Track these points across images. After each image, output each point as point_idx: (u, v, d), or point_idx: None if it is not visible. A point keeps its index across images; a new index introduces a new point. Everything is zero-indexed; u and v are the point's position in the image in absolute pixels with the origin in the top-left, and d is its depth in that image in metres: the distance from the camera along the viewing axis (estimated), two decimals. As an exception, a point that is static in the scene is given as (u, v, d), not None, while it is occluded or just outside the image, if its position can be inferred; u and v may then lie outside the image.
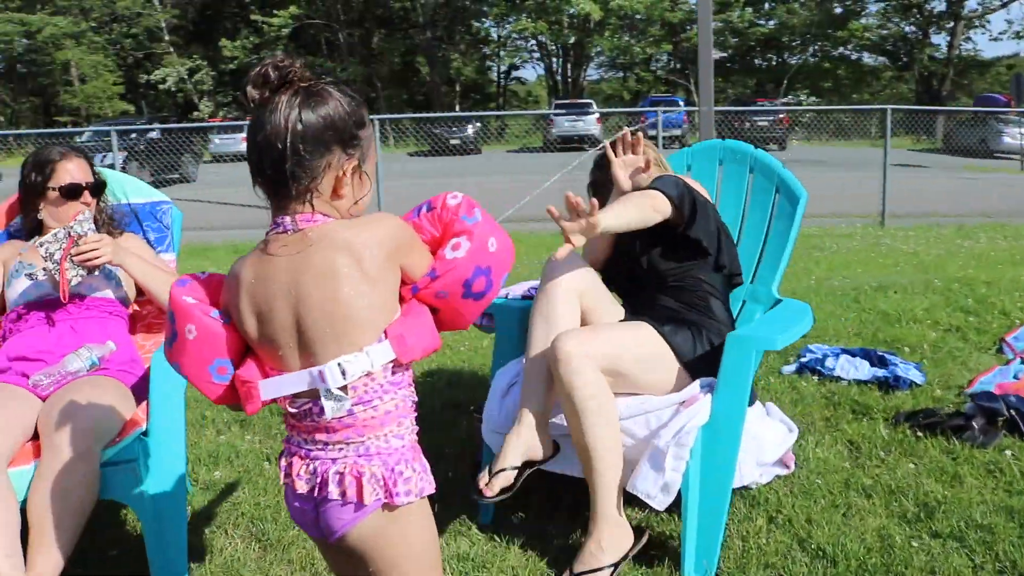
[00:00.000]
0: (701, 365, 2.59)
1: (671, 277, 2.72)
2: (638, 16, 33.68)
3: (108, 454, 2.36)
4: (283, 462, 1.50)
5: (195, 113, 38.35)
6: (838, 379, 4.14)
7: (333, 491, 1.41)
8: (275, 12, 35.92)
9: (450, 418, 3.83)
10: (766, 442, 2.74)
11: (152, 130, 18.93)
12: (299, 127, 1.36)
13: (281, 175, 1.37)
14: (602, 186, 2.92)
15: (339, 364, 1.37)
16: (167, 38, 38.82)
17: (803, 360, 4.37)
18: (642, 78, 41.39)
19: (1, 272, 2.75)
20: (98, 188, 2.87)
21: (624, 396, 2.53)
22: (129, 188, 3.26)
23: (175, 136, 18.89)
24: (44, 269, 2.57)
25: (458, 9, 37.41)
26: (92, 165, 2.90)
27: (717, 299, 2.73)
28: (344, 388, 1.38)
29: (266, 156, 1.38)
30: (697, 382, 2.58)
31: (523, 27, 35.01)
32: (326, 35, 39.11)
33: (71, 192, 2.77)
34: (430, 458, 1.54)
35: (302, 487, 1.44)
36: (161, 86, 37.85)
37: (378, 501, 1.41)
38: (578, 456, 2.45)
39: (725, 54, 37.81)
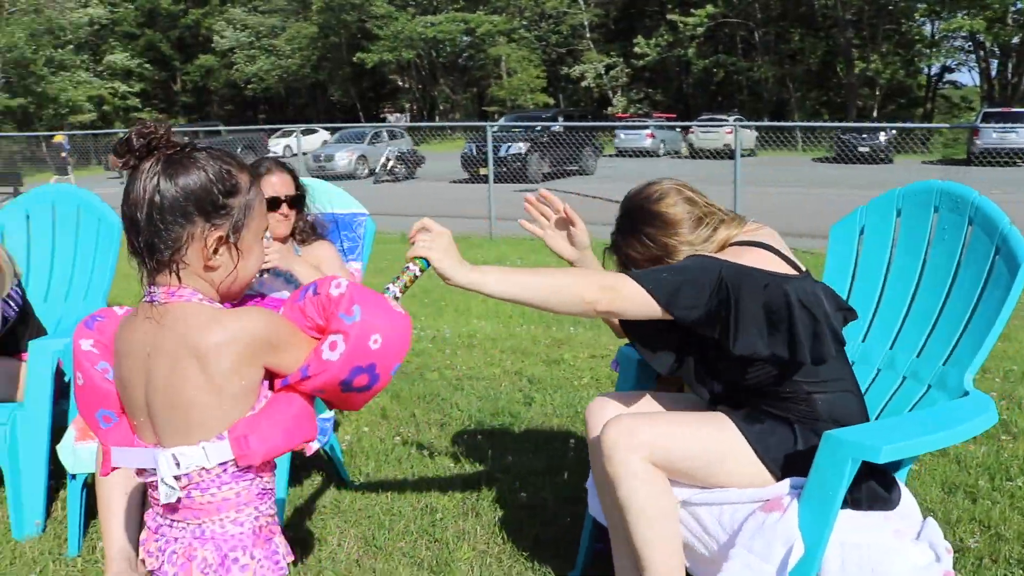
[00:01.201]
0: (796, 462, 2.11)
1: (749, 389, 2.18)
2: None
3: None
4: (141, 536, 1.47)
5: (609, 108, 39.85)
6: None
7: (168, 571, 1.38)
8: (692, 11, 36.03)
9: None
10: (894, 569, 2.07)
11: (555, 124, 19.80)
12: (156, 197, 1.31)
13: (142, 245, 1.34)
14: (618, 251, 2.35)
15: (173, 455, 1.34)
16: (588, 35, 40.67)
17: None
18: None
19: None
20: (296, 201, 3.07)
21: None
22: (334, 199, 3.49)
23: (577, 131, 19.60)
24: None
25: (883, 6, 34.86)
26: (296, 179, 3.11)
27: (823, 393, 2.16)
28: (178, 477, 1.34)
29: (128, 225, 1.34)
30: (787, 482, 2.11)
31: (958, 25, 31.72)
32: (741, 33, 38.46)
33: (271, 204, 2.97)
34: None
35: (151, 564, 1.41)
36: (581, 83, 39.79)
37: None
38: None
39: None
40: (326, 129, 31.24)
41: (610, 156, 24.54)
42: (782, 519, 2.02)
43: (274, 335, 1.35)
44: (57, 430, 2.88)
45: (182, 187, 1.32)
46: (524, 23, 40.50)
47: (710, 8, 35.25)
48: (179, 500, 1.37)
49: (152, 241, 1.33)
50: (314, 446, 2.92)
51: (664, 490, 2.10)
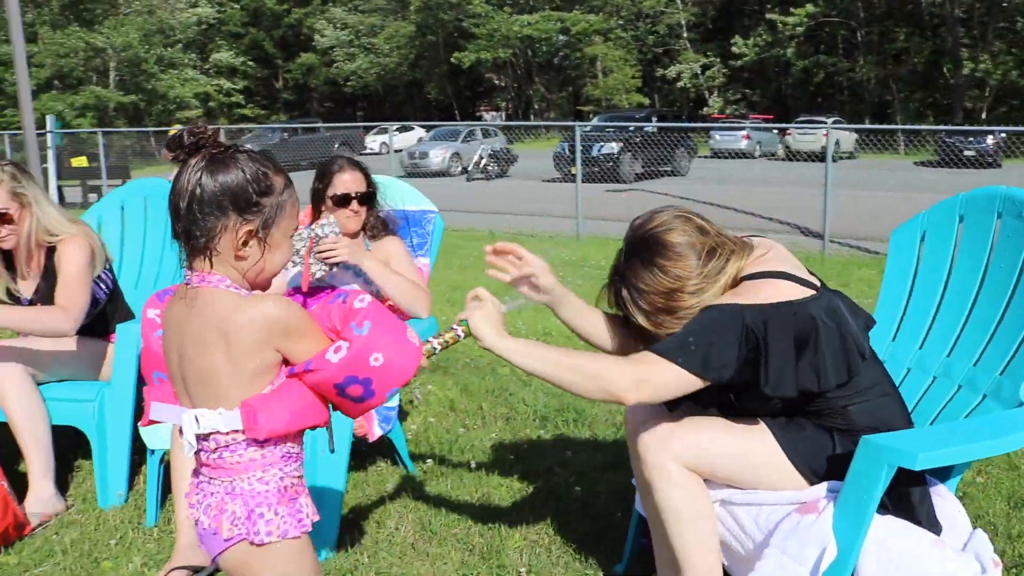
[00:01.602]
0: (834, 467, 2.11)
1: (783, 411, 2.18)
2: None
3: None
4: (186, 490, 1.65)
5: (704, 109, 39.42)
6: None
7: (204, 521, 1.55)
8: (792, 10, 35.32)
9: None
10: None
11: (648, 125, 19.67)
12: (197, 190, 1.47)
13: (181, 231, 1.50)
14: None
15: (195, 416, 1.50)
16: (685, 35, 40.28)
17: None
18: None
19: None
20: (367, 198, 3.21)
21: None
22: (405, 197, 3.65)
23: (670, 131, 19.45)
24: (293, 262, 2.95)
25: (995, 3, 33.51)
26: (368, 176, 3.25)
27: (857, 404, 2.14)
28: (202, 437, 1.52)
29: (172, 212, 1.50)
30: (824, 485, 2.12)
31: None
32: (843, 32, 37.53)
33: (342, 200, 3.15)
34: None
35: (193, 514, 1.59)
36: (677, 83, 39.44)
37: (240, 536, 1.51)
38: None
39: None
40: (422, 127, 31.71)
41: (704, 157, 24.28)
42: (817, 521, 2.04)
43: (289, 324, 1.49)
44: (140, 409, 3.08)
45: (220, 183, 1.47)
46: (621, 22, 40.36)
47: (810, 7, 34.53)
48: (214, 459, 1.53)
49: (190, 228, 1.48)
50: (377, 432, 3.07)
51: (699, 493, 2.14)
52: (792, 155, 25.04)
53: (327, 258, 2.92)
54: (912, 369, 2.67)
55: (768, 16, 37.33)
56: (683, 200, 15.06)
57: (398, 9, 46.28)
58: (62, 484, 3.18)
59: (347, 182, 3.15)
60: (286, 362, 1.52)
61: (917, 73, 37.53)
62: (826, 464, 2.14)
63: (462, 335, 1.94)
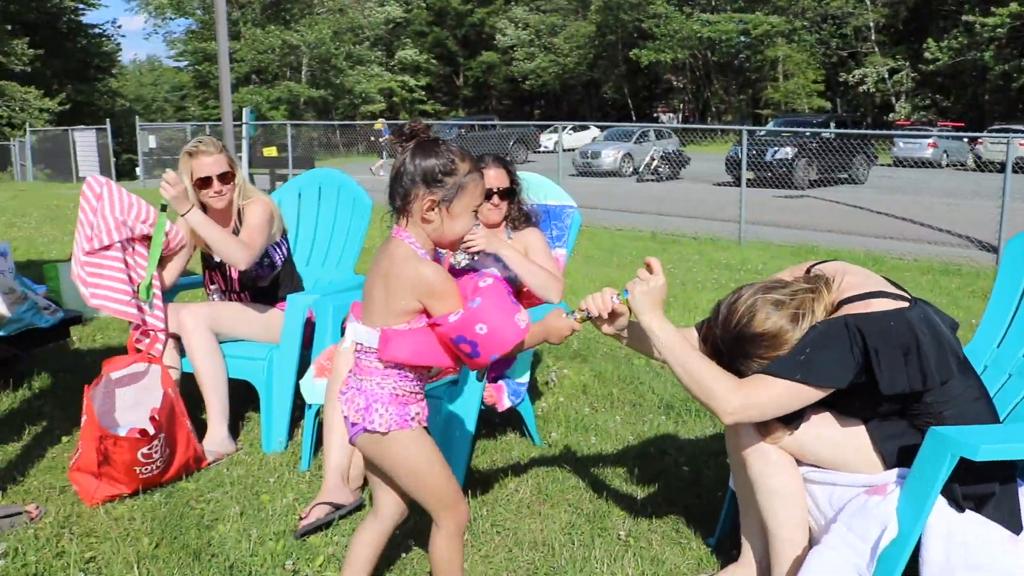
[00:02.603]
0: (908, 455, 2.23)
1: (883, 416, 2.31)
2: None
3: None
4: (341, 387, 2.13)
5: (890, 115, 37.78)
6: None
7: (344, 410, 2.04)
8: (993, 10, 33.27)
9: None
10: (998, 571, 2.13)
11: (826, 131, 19.12)
12: (402, 167, 1.98)
13: (391, 195, 2.01)
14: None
15: (357, 327, 2.01)
16: (873, 37, 38.69)
17: None
18: None
19: None
20: (508, 193, 3.52)
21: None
22: (547, 192, 3.98)
23: (849, 138, 18.88)
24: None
25: None
26: (511, 173, 3.56)
27: (952, 408, 2.25)
28: (355, 343, 2.04)
29: (389, 181, 2.02)
30: (895, 471, 2.27)
31: None
32: (1050, 35, 35.03)
33: (486, 194, 3.38)
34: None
35: (341, 399, 2.07)
36: (861, 87, 37.97)
37: (360, 424, 2.00)
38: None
39: None
40: (597, 127, 31.97)
41: (885, 165, 23.38)
42: (882, 503, 2.19)
43: (435, 286, 1.93)
44: (303, 369, 3.52)
45: (417, 163, 1.97)
46: (806, 24, 39.19)
47: (1015, 6, 32.32)
48: (358, 361, 2.04)
49: (395, 193, 2.00)
50: (507, 403, 3.39)
51: (794, 473, 2.34)
52: (982, 166, 23.71)
53: (467, 247, 3.26)
54: (1013, 375, 2.74)
55: (965, 17, 35.29)
56: (854, 208, 14.67)
57: (579, 9, 46.72)
58: (234, 430, 3.68)
59: (491, 178, 3.46)
60: (428, 313, 1.95)
61: None
62: (908, 456, 2.27)
63: (617, 301, 2.23)
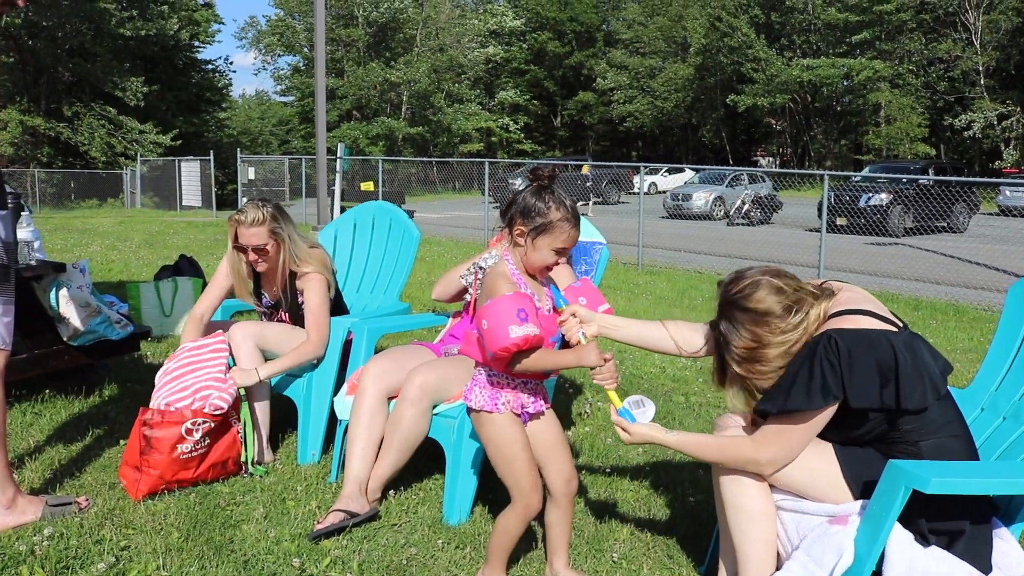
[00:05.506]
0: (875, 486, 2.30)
1: (860, 441, 2.42)
2: None
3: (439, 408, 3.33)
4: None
5: (997, 162, 36.63)
6: None
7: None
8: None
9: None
10: None
11: (922, 178, 18.71)
12: (518, 199, 2.49)
13: (504, 216, 2.55)
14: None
15: None
16: (983, 82, 37.65)
17: None
18: None
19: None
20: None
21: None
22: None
23: (949, 185, 18.46)
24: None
25: None
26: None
27: (928, 440, 2.33)
28: None
29: (505, 207, 2.54)
30: (859, 503, 2.35)
31: None
32: None
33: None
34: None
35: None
36: (966, 132, 36.95)
37: (466, 398, 2.56)
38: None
39: None
40: (692, 169, 31.97)
41: (989, 214, 22.70)
42: (842, 532, 2.29)
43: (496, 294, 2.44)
44: (338, 388, 3.76)
45: (522, 199, 2.48)
46: (911, 68, 38.43)
47: None
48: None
49: (504, 215, 2.53)
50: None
51: (767, 495, 2.47)
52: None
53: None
54: (1008, 418, 2.78)
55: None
56: (946, 257, 14.33)
57: (678, 52, 46.83)
58: (273, 441, 3.94)
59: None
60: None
61: None
62: (869, 484, 2.36)
63: (582, 338, 2.59)
